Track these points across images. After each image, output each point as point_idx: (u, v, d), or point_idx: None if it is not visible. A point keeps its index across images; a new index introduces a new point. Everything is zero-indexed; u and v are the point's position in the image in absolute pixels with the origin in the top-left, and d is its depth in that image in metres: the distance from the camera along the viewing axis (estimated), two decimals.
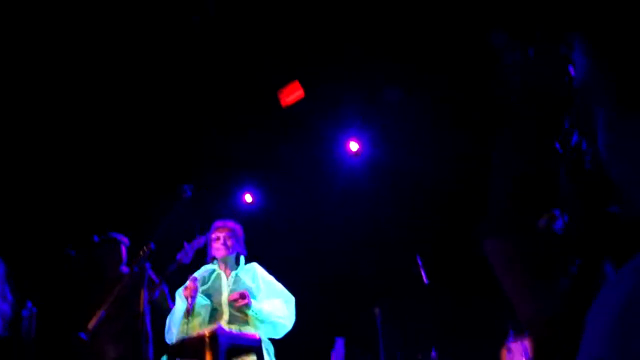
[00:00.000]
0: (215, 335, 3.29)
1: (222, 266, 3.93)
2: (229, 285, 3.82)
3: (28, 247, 4.97)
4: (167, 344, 3.68)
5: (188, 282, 3.71)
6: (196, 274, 3.88)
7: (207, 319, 3.69)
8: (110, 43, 5.27)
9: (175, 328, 3.70)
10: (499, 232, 2.22)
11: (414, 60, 5.65)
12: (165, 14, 5.16)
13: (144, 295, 3.23)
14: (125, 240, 4.45)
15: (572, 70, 1.69)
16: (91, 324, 3.47)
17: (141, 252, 3.43)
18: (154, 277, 4.01)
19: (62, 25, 4.99)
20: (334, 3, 5.35)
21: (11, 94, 5.26)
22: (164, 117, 5.99)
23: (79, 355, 3.84)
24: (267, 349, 3.72)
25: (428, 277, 4.98)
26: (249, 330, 3.68)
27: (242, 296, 3.65)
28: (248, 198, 7.39)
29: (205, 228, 3.98)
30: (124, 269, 4.33)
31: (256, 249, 4.34)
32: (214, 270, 3.94)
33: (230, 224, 4.01)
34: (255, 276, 3.92)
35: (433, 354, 4.86)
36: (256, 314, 3.70)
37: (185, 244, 3.76)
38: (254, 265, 4.02)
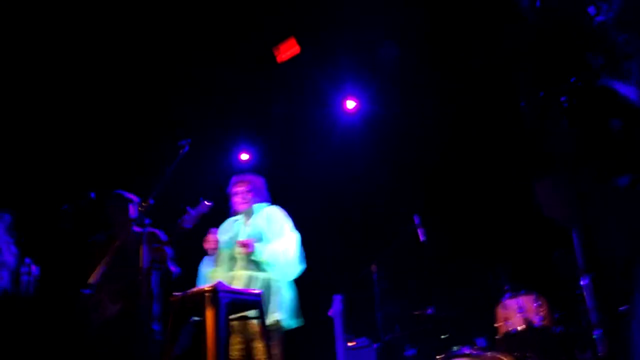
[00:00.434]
0: (215, 291, 3.31)
1: (245, 218, 4.07)
2: (245, 232, 3.90)
3: (27, 203, 4.94)
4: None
5: (208, 235, 3.80)
6: (221, 226, 4.04)
7: (227, 267, 3.80)
8: None
9: (203, 281, 3.84)
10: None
11: (411, 13, 5.56)
12: None
13: (144, 251, 3.21)
14: (134, 198, 4.41)
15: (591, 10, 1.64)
16: (92, 279, 3.47)
17: (140, 208, 3.41)
18: (160, 234, 4.03)
19: None
20: None
21: (11, 49, 5.17)
22: (161, 72, 5.91)
23: (82, 312, 3.86)
24: (280, 291, 3.76)
25: (425, 235, 4.99)
26: (264, 274, 3.74)
27: (244, 245, 3.73)
28: (244, 156, 7.35)
29: (207, 195, 3.97)
30: (136, 228, 4.29)
31: None
32: (236, 221, 4.10)
33: (248, 177, 4.11)
34: (269, 218, 3.99)
35: (429, 310, 4.91)
36: (261, 258, 3.77)
37: (189, 209, 3.76)
38: (271, 207, 4.10)
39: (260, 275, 3.81)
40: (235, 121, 6.79)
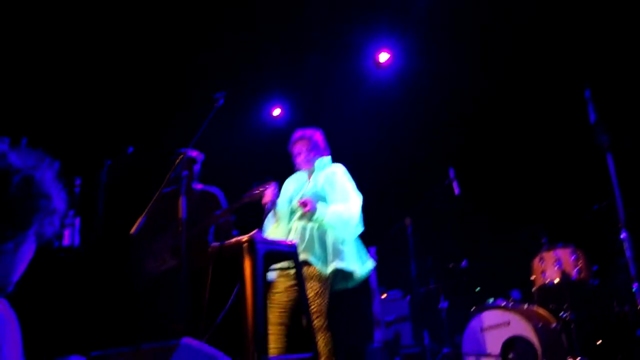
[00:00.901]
0: (252, 242, 3.35)
1: (308, 175, 4.11)
2: (307, 191, 3.97)
3: (64, 157, 5.05)
4: None
5: (266, 189, 3.81)
6: (285, 182, 4.12)
7: (287, 222, 3.86)
8: None
9: (267, 234, 3.94)
10: None
11: None
12: None
13: (182, 202, 3.26)
14: (198, 157, 4.39)
15: None
16: (133, 229, 3.55)
17: (177, 161, 3.45)
18: (220, 197, 4.07)
19: None
20: None
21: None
22: (195, 26, 5.88)
23: (137, 261, 3.95)
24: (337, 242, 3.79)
25: (460, 187, 4.94)
26: (320, 226, 3.77)
27: (304, 204, 3.76)
28: (276, 111, 7.34)
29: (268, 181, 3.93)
30: (198, 185, 4.31)
31: (285, 162, 4.36)
32: (299, 178, 4.15)
33: (308, 133, 4.08)
34: (332, 179, 3.99)
35: (464, 263, 4.91)
36: (322, 219, 3.78)
37: (254, 185, 3.77)
38: (335, 166, 4.08)
39: (315, 226, 3.83)
40: (267, 76, 6.76)
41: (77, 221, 4.01)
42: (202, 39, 6.04)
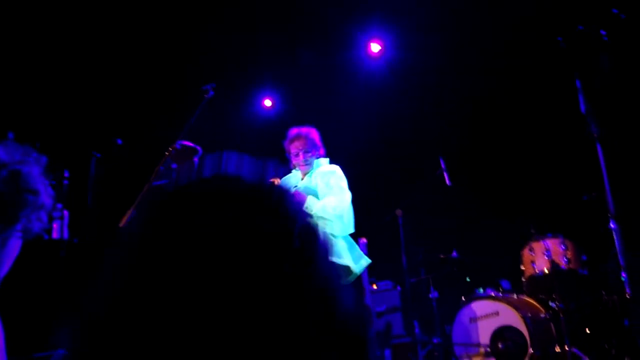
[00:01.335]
0: None
1: (303, 172, 4.07)
2: (299, 185, 3.93)
3: (52, 150, 5.01)
4: None
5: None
6: (283, 179, 4.07)
7: None
8: None
9: None
10: None
11: None
12: None
13: None
14: (199, 148, 4.35)
15: None
16: (122, 223, 3.53)
17: (167, 153, 3.43)
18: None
19: None
20: None
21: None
22: (185, 17, 5.83)
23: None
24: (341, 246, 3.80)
25: (450, 178, 4.96)
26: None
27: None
28: (267, 102, 7.32)
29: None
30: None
31: (276, 152, 4.35)
32: (295, 175, 4.11)
33: (305, 131, 4.02)
34: (327, 177, 3.96)
35: (454, 254, 4.94)
36: (311, 211, 3.78)
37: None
38: (333, 167, 4.06)
39: None
40: (258, 66, 6.72)
41: (66, 214, 3.99)
42: (192, 30, 5.99)
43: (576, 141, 4.15)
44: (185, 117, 3.98)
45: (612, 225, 3.51)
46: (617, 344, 4.12)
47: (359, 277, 4.83)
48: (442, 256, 4.96)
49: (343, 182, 3.99)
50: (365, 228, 5.56)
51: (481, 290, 4.60)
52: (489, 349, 4.25)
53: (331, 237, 3.78)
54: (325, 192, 3.90)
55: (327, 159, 4.14)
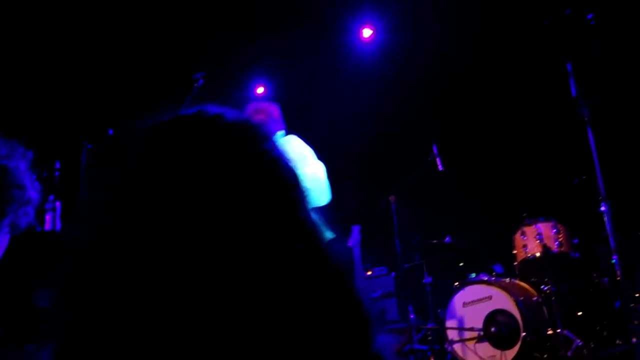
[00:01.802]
0: None
1: None
2: None
3: (43, 141, 4.99)
4: None
5: None
6: None
7: None
8: None
9: None
10: None
11: None
12: None
13: None
14: None
15: None
16: None
17: None
18: None
19: None
20: None
21: None
22: (175, 6, 5.79)
23: None
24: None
25: (443, 164, 4.98)
26: None
27: None
28: (259, 89, 7.29)
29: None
30: None
31: None
32: None
33: (264, 105, 4.01)
34: (290, 149, 3.94)
35: (447, 239, 4.96)
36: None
37: None
38: (290, 137, 4.05)
39: None
40: (250, 54, 6.69)
41: (58, 205, 3.97)
42: (182, 17, 5.95)
43: (567, 125, 4.16)
44: (176, 106, 3.96)
45: (603, 208, 3.53)
46: (609, 326, 4.16)
47: (350, 259, 4.86)
48: (435, 241, 4.99)
49: (310, 152, 3.97)
50: (358, 214, 5.60)
51: (474, 275, 4.63)
52: (482, 333, 4.29)
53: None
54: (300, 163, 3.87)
55: (284, 132, 4.08)
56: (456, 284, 4.63)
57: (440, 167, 4.96)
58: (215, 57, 6.18)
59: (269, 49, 6.58)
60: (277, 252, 0.68)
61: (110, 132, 4.35)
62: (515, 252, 4.64)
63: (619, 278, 3.48)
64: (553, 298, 4.18)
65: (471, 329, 4.34)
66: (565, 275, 4.44)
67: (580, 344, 3.99)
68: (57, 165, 4.10)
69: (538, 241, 4.42)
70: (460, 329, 4.42)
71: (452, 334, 4.46)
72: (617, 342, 4.02)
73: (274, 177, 0.74)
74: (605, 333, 4.16)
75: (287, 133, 4.12)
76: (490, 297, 4.34)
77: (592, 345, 4.04)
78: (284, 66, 6.76)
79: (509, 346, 4.18)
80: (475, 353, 4.30)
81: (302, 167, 3.80)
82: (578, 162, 4.08)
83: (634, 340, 3.35)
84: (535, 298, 4.32)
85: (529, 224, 4.53)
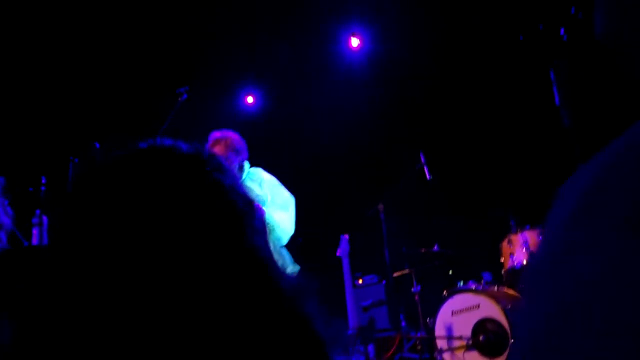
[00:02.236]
0: None
1: None
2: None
3: (30, 156, 5.00)
4: None
5: None
6: None
7: None
8: None
9: None
10: None
11: None
12: None
13: None
14: None
15: None
16: None
17: None
18: None
19: None
20: None
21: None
22: (158, 19, 5.80)
23: None
24: (283, 255, 3.84)
25: (430, 172, 4.99)
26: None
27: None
28: (249, 99, 7.31)
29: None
30: None
31: (259, 149, 4.35)
32: None
33: (226, 135, 3.89)
34: (262, 183, 3.92)
35: (435, 247, 4.97)
36: (268, 224, 3.76)
37: None
38: (259, 170, 4.01)
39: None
40: (237, 63, 6.71)
41: (45, 220, 3.97)
42: (169, 29, 5.97)
43: (552, 133, 4.18)
44: (164, 118, 3.98)
45: None
46: None
47: (339, 269, 4.87)
48: (423, 250, 5.00)
49: (283, 188, 3.95)
50: (347, 223, 5.61)
51: (461, 283, 4.64)
52: (470, 342, 4.29)
53: (282, 247, 3.78)
54: (276, 202, 3.85)
55: (248, 164, 4.00)
56: (445, 292, 4.64)
57: (428, 176, 4.98)
58: (203, 67, 6.20)
59: (257, 58, 6.60)
60: (219, 281, 0.69)
61: (97, 145, 4.36)
62: (502, 260, 4.66)
63: None
64: None
65: (460, 338, 4.35)
66: None
67: None
68: (43, 180, 4.11)
69: (524, 249, 4.43)
70: (449, 337, 4.42)
71: (441, 343, 4.46)
72: None
73: (219, 207, 0.75)
74: None
75: (252, 163, 4.05)
76: (478, 306, 4.35)
77: None
78: (271, 76, 6.78)
79: (498, 354, 4.18)
80: None
81: (282, 210, 3.82)
82: (563, 170, 4.10)
83: None
84: None
85: (515, 233, 4.55)
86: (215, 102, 6.61)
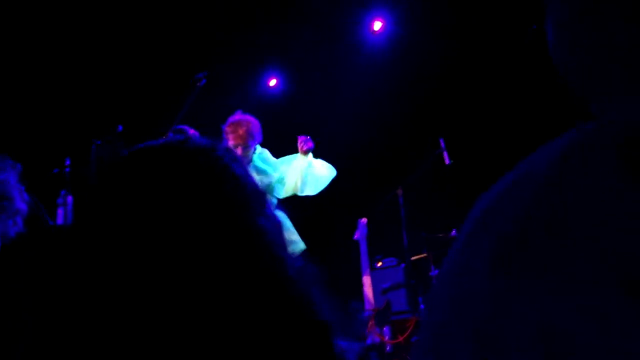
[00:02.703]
0: None
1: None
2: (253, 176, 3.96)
3: (55, 139, 5.13)
4: None
5: None
6: None
7: None
8: None
9: None
10: None
11: None
12: None
13: None
14: (197, 134, 4.40)
15: None
16: None
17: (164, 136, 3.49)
18: None
19: None
20: None
21: None
22: (181, 3, 5.84)
23: None
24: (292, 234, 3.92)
25: (450, 157, 4.98)
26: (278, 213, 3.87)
27: (305, 141, 3.90)
28: (272, 82, 7.34)
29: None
30: None
31: (279, 131, 4.40)
32: None
33: (245, 119, 4.00)
34: (271, 161, 4.04)
35: (453, 233, 4.97)
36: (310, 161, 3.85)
37: None
38: (266, 151, 4.13)
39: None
40: (260, 46, 6.73)
41: (70, 200, 4.10)
42: (192, 11, 6.00)
43: (573, 120, 4.13)
44: (185, 101, 4.04)
45: None
46: None
47: (357, 252, 4.94)
48: (440, 235, 5.01)
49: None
50: (367, 207, 5.64)
51: None
52: None
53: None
54: (281, 165, 3.98)
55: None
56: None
57: (447, 161, 4.97)
58: (225, 51, 6.23)
59: (279, 41, 6.61)
60: (228, 263, 0.73)
61: (120, 128, 4.45)
62: None
63: None
64: None
65: None
66: None
67: None
68: (68, 162, 4.22)
69: None
70: None
71: None
72: None
73: (232, 192, 0.80)
74: None
75: (273, 146, 4.16)
76: None
77: None
78: (293, 59, 6.79)
79: None
80: None
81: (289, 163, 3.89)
82: None
83: None
84: None
85: None
86: (238, 85, 6.65)
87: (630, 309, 0.38)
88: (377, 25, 6.52)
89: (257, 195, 0.83)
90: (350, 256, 5.18)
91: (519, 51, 5.25)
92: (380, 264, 6.17)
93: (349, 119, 6.16)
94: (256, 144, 4.03)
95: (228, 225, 0.76)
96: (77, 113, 5.51)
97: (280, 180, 4.05)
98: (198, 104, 4.07)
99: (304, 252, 3.98)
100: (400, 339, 4.67)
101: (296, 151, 4.08)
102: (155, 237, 0.73)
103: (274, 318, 0.73)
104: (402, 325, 4.97)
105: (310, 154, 3.99)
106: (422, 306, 5.30)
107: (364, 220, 5.07)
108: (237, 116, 4.06)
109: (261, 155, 4.09)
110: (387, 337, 4.67)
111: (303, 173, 3.92)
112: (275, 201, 4.03)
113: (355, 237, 5.04)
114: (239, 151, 3.91)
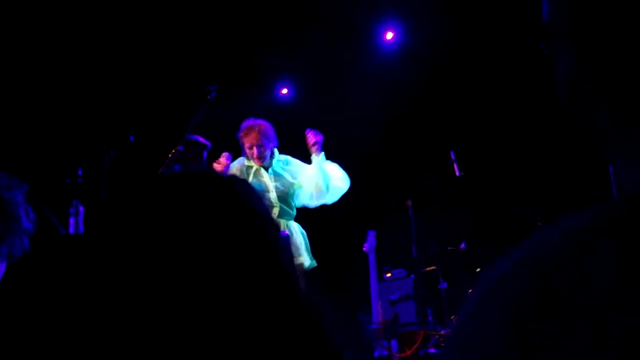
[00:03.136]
0: None
1: (259, 163, 4.07)
2: (272, 182, 3.97)
3: (67, 149, 5.18)
4: None
5: (220, 158, 3.85)
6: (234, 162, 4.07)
7: None
8: None
9: None
10: None
11: None
12: None
13: None
14: (208, 143, 4.43)
15: None
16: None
17: (170, 155, 3.52)
18: None
19: None
20: None
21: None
22: (194, 10, 5.88)
23: None
24: (302, 234, 3.93)
25: (460, 169, 4.97)
26: (294, 224, 3.88)
27: (315, 135, 3.94)
28: (284, 91, 7.36)
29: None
30: None
31: (291, 140, 4.41)
32: (251, 166, 4.07)
33: (258, 123, 4.05)
34: (291, 168, 4.06)
35: (462, 245, 4.96)
36: (322, 165, 3.86)
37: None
38: (288, 157, 4.15)
39: (282, 221, 3.92)
40: (273, 55, 6.75)
41: (82, 210, 4.14)
42: (204, 21, 6.04)
43: (582, 134, 4.10)
44: (197, 111, 4.07)
45: None
46: None
47: (365, 263, 4.93)
48: (449, 248, 4.99)
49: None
50: (376, 219, 5.64)
51: None
52: None
53: (296, 230, 3.86)
54: (303, 172, 3.99)
55: (277, 151, 4.18)
56: (471, 290, 4.64)
57: (457, 173, 4.96)
58: (237, 60, 6.26)
59: (290, 50, 6.63)
60: (245, 289, 0.75)
61: (132, 138, 4.49)
62: None
63: None
64: None
65: None
66: None
67: None
68: (80, 172, 4.26)
69: None
70: None
71: None
72: None
73: (251, 225, 0.82)
74: None
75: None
76: None
77: None
78: (304, 69, 6.81)
79: None
80: None
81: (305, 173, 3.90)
82: (594, 172, 4.04)
83: None
84: None
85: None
86: (251, 93, 6.68)
87: None
88: (389, 35, 6.53)
89: (274, 229, 0.85)
90: (359, 267, 5.18)
91: (531, 64, 5.24)
92: (389, 274, 6.16)
93: (359, 129, 6.16)
94: (272, 147, 4.08)
95: (250, 253, 0.78)
96: (90, 123, 5.56)
97: (299, 188, 4.09)
98: (209, 114, 4.10)
99: (312, 270, 4.00)
100: (408, 352, 4.65)
101: (307, 153, 4.12)
102: (178, 254, 0.75)
103: (290, 344, 0.74)
104: (410, 337, 4.96)
105: (323, 155, 4.00)
106: (430, 318, 5.28)
107: (373, 232, 5.07)
108: (250, 121, 4.12)
109: (282, 161, 4.12)
110: (394, 350, 4.66)
111: (319, 182, 3.94)
112: (294, 212, 4.04)
113: (365, 248, 5.03)
114: (254, 152, 3.96)
